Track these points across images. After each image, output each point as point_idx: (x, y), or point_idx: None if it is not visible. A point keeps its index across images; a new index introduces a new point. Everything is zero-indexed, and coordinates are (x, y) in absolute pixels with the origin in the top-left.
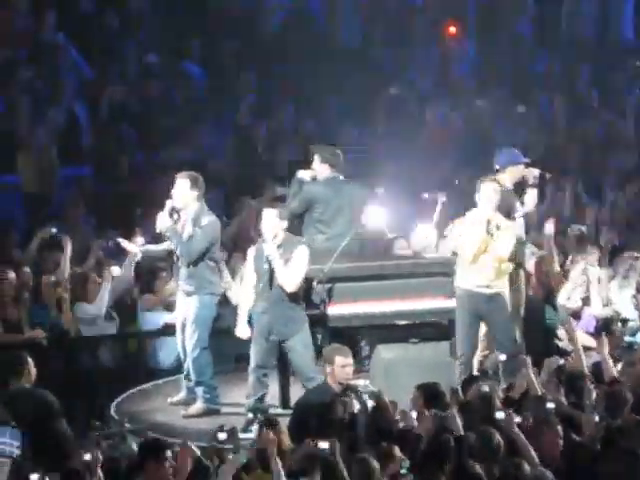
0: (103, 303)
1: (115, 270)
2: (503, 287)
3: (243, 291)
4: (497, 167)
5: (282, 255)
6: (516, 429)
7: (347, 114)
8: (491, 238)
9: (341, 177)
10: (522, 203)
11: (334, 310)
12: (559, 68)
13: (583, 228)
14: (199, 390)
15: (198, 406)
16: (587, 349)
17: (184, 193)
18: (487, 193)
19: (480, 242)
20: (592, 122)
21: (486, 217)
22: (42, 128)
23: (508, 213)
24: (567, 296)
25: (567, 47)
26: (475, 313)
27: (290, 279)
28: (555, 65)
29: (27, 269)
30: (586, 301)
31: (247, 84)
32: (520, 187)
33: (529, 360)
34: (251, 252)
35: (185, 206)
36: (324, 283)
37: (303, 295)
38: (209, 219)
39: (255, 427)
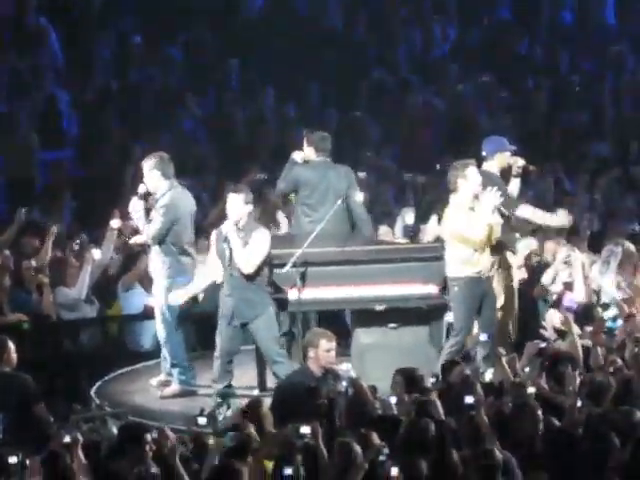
0: (84, 287)
1: (96, 253)
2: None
3: (201, 271)
4: (484, 154)
5: (243, 238)
6: (482, 415)
7: (329, 98)
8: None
9: (328, 161)
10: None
11: (307, 294)
12: (541, 52)
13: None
14: (174, 371)
15: (173, 387)
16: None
17: (149, 175)
18: (475, 177)
19: (489, 227)
20: (574, 107)
21: (492, 203)
22: (23, 112)
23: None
24: (551, 280)
25: (548, 31)
26: (479, 298)
27: (247, 261)
28: (537, 49)
29: (7, 253)
30: (568, 286)
31: (229, 68)
32: (505, 175)
33: (502, 353)
34: (214, 235)
35: (155, 189)
36: (297, 267)
37: (269, 279)
38: (170, 197)
39: (224, 410)
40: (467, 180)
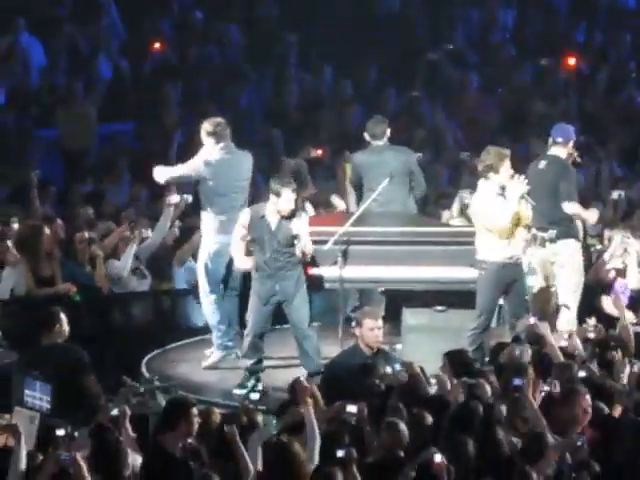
0: (128, 263)
1: (145, 232)
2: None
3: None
4: (560, 139)
5: (285, 224)
6: (530, 397)
7: (386, 78)
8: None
9: (380, 143)
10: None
11: (348, 272)
12: (600, 37)
13: (623, 194)
14: (213, 336)
15: (214, 354)
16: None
17: (204, 139)
18: (508, 164)
19: (514, 216)
20: (631, 92)
21: (521, 190)
22: (83, 84)
23: (569, 187)
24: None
25: (607, 15)
26: (504, 284)
27: (309, 249)
28: (596, 34)
29: (60, 222)
30: (620, 272)
31: (287, 47)
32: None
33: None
34: (245, 218)
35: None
36: (340, 244)
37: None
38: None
39: (251, 385)
40: (498, 173)
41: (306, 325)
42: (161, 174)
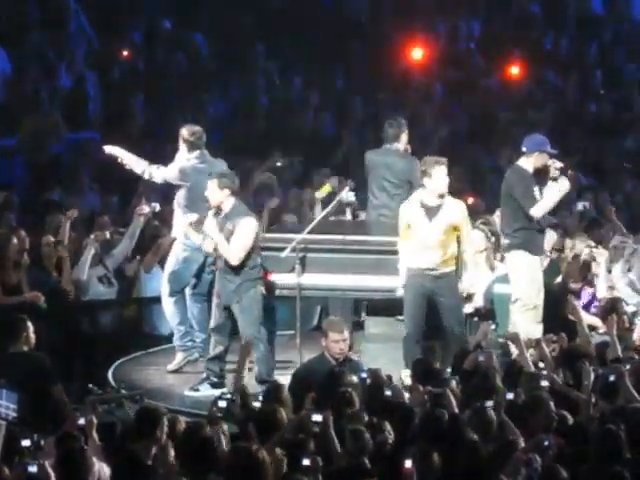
0: (85, 266)
1: (100, 235)
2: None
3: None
4: (524, 149)
5: (227, 225)
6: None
7: (353, 85)
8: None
9: (387, 146)
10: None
11: (307, 279)
12: (567, 45)
13: (587, 204)
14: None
15: (177, 356)
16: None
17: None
18: (440, 176)
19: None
20: (597, 102)
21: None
22: (49, 93)
23: (525, 194)
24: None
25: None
26: (423, 295)
27: (231, 253)
28: (563, 42)
29: (23, 232)
30: (587, 282)
31: (255, 55)
32: (539, 175)
33: (521, 337)
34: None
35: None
36: (297, 251)
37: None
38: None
39: (204, 387)
40: (432, 179)
41: (252, 331)
42: (139, 165)
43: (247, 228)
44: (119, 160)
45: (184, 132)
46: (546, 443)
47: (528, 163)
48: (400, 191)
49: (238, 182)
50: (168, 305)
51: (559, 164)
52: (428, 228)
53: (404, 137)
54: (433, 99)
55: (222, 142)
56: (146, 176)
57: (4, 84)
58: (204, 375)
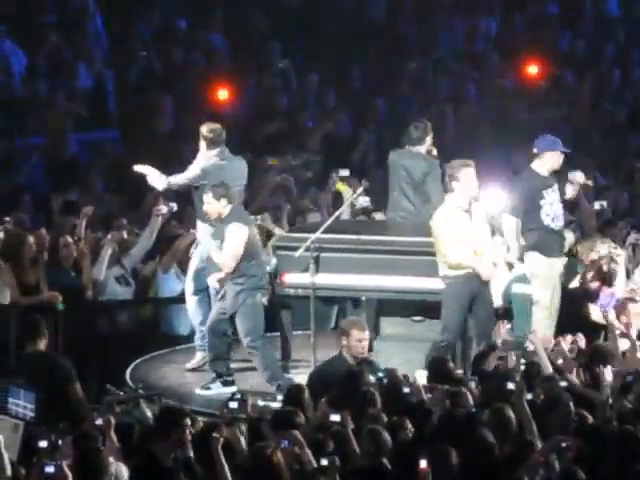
0: (102, 266)
1: (116, 234)
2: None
3: None
4: (535, 151)
5: (222, 234)
6: (524, 402)
7: (372, 86)
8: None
9: (408, 147)
10: (563, 193)
11: (321, 279)
12: (583, 46)
13: (604, 204)
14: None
15: (196, 355)
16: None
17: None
18: (469, 179)
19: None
20: (614, 101)
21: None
22: (67, 92)
23: (533, 198)
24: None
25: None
26: (468, 297)
27: (221, 260)
28: (579, 43)
29: (44, 231)
30: (604, 281)
31: (272, 54)
32: (555, 175)
33: (538, 338)
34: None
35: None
36: (312, 251)
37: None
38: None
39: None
40: (460, 182)
41: (248, 340)
42: (160, 182)
43: (233, 233)
44: (147, 178)
45: (203, 130)
46: (564, 444)
47: (541, 165)
48: (418, 193)
49: (232, 191)
50: (191, 304)
51: (581, 178)
52: (474, 232)
53: (428, 140)
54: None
55: (240, 142)
56: (173, 187)
57: (21, 83)
58: (214, 374)
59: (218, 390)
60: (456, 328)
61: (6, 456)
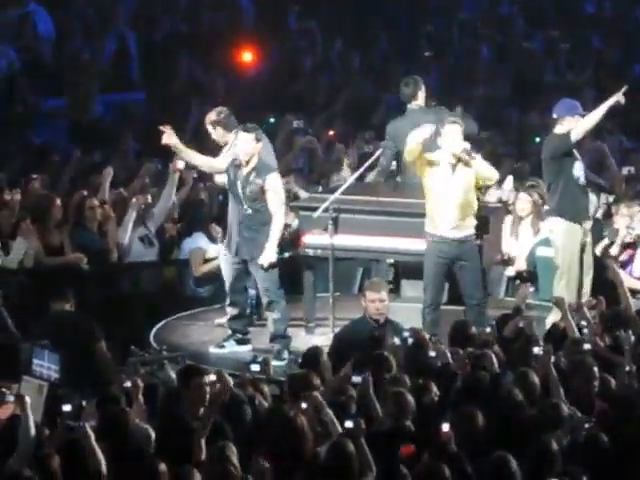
0: (127, 229)
1: (141, 198)
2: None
3: None
4: (554, 116)
5: (255, 179)
6: (551, 366)
7: (394, 50)
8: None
9: (410, 106)
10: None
11: (339, 240)
12: (610, 8)
13: (632, 169)
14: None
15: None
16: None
17: (212, 130)
18: (452, 135)
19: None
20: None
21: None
22: (92, 54)
23: (560, 160)
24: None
25: None
26: (443, 261)
27: (280, 210)
28: (605, 4)
29: (83, 192)
30: (630, 245)
31: (295, 18)
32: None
33: (566, 302)
34: (228, 160)
35: (222, 141)
36: (331, 212)
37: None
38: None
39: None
40: (444, 138)
41: (270, 291)
42: (195, 158)
43: (279, 183)
44: (173, 149)
45: (212, 116)
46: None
47: (562, 130)
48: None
49: None
50: (225, 263)
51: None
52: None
53: (420, 95)
54: (478, 61)
55: (264, 103)
56: (205, 168)
57: (49, 47)
58: (229, 332)
59: (232, 348)
60: (431, 290)
61: (31, 418)
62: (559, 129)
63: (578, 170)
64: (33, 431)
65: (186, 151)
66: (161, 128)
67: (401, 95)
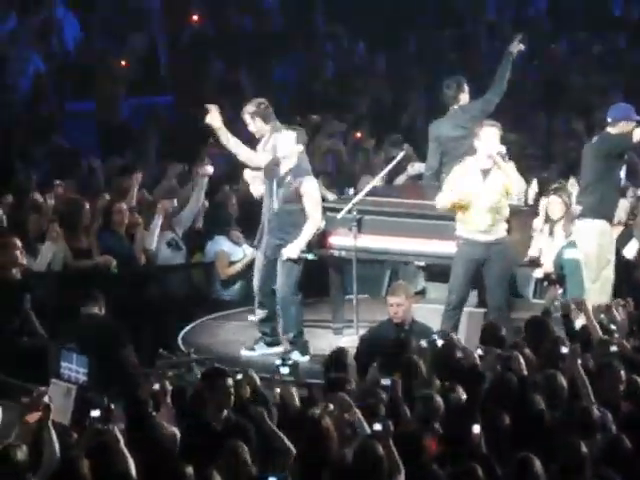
0: (154, 237)
1: (167, 203)
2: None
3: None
4: (609, 120)
5: (292, 181)
6: (579, 366)
7: (420, 53)
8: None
9: (453, 107)
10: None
11: (363, 242)
12: (637, 11)
13: None
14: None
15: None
16: None
17: (250, 122)
18: (490, 138)
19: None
20: None
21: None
22: (119, 57)
23: (609, 153)
24: None
25: None
26: (473, 263)
27: (312, 216)
28: (632, 7)
29: (107, 196)
30: None
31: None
32: None
33: (589, 304)
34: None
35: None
36: (355, 213)
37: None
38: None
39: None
40: (481, 141)
41: (287, 294)
42: (234, 144)
43: (315, 187)
44: (215, 131)
45: (251, 107)
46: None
47: (614, 132)
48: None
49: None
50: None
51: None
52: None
53: (462, 96)
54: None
55: (289, 104)
56: (243, 158)
57: (75, 50)
58: (259, 335)
59: (262, 351)
60: (458, 291)
61: (53, 433)
62: (613, 131)
63: (623, 172)
64: (57, 447)
65: (227, 135)
66: (207, 106)
67: (444, 97)
